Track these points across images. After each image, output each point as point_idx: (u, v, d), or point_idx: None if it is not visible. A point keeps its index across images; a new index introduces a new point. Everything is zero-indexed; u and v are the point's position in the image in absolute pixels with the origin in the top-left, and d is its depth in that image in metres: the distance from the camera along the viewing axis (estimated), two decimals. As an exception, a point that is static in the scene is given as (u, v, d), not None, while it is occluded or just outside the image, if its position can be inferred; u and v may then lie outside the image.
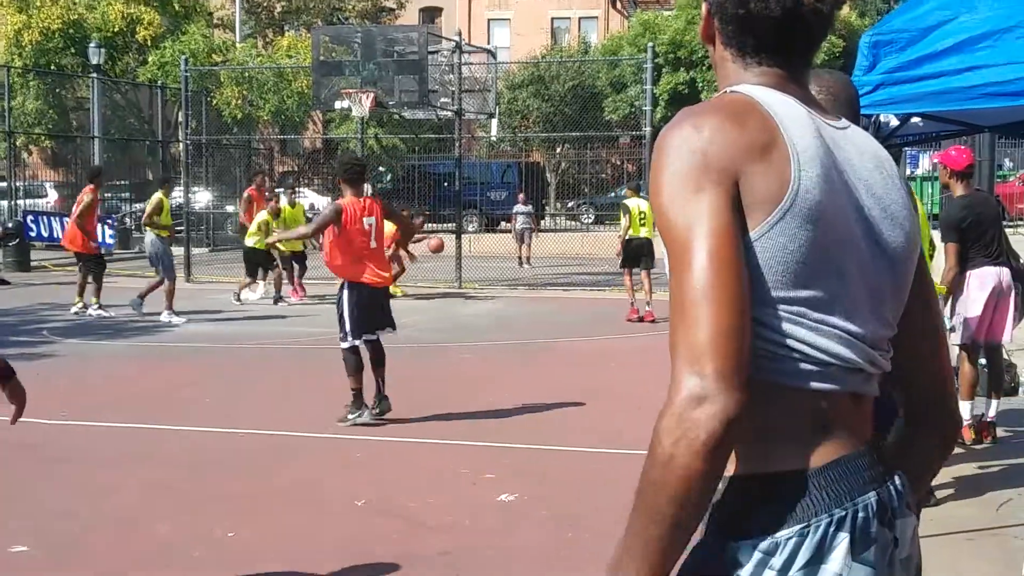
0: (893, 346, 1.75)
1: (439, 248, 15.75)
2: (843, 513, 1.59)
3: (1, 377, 3.79)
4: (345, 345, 8.12)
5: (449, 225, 19.41)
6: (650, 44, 22.18)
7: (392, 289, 16.86)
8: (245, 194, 17.72)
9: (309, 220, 17.39)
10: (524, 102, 36.91)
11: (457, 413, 8.51)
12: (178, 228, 17.99)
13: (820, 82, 3.01)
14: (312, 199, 31.24)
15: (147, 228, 14.55)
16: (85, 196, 14.56)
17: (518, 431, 7.90)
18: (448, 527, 5.83)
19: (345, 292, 8.16)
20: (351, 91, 18.81)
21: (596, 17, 46.48)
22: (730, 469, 1.66)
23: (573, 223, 31.94)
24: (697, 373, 1.45)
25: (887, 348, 1.73)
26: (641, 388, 9.71)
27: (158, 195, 14.58)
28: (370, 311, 8.16)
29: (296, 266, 16.69)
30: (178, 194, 21.10)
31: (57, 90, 32.50)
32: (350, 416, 8.05)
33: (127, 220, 27.34)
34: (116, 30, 30.95)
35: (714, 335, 1.46)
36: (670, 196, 1.56)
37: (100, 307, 14.45)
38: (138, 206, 28.87)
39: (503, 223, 28.52)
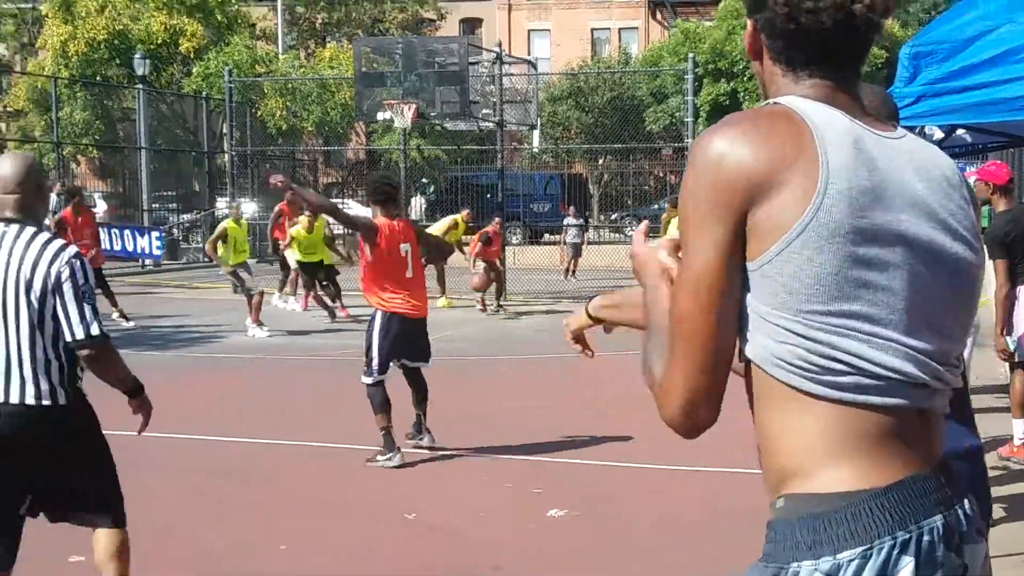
0: None
1: (483, 287, 15.70)
2: (907, 536, 1.56)
3: (131, 391, 4.14)
4: (368, 380, 7.35)
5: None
6: (691, 54, 22.14)
7: (443, 302, 17.03)
8: (276, 208, 17.73)
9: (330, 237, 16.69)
10: (564, 114, 36.93)
11: (503, 427, 8.52)
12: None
13: None
14: (356, 209, 31.40)
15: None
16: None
17: (564, 446, 7.90)
18: (497, 542, 5.85)
19: (377, 322, 7.41)
20: (393, 102, 18.91)
21: (636, 28, 46.43)
22: (789, 486, 1.65)
23: (617, 235, 31.87)
24: (667, 403, 1.70)
25: (955, 363, 1.70)
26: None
27: (224, 222, 14.41)
28: (402, 344, 7.45)
29: (317, 281, 15.79)
30: (222, 206, 21.29)
31: (104, 101, 32.92)
32: (380, 459, 7.30)
33: (174, 231, 27.62)
34: (160, 41, 31.33)
35: (685, 377, 1.66)
36: (684, 214, 1.65)
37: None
38: (185, 217, 29.20)
39: (546, 235, 28.53)
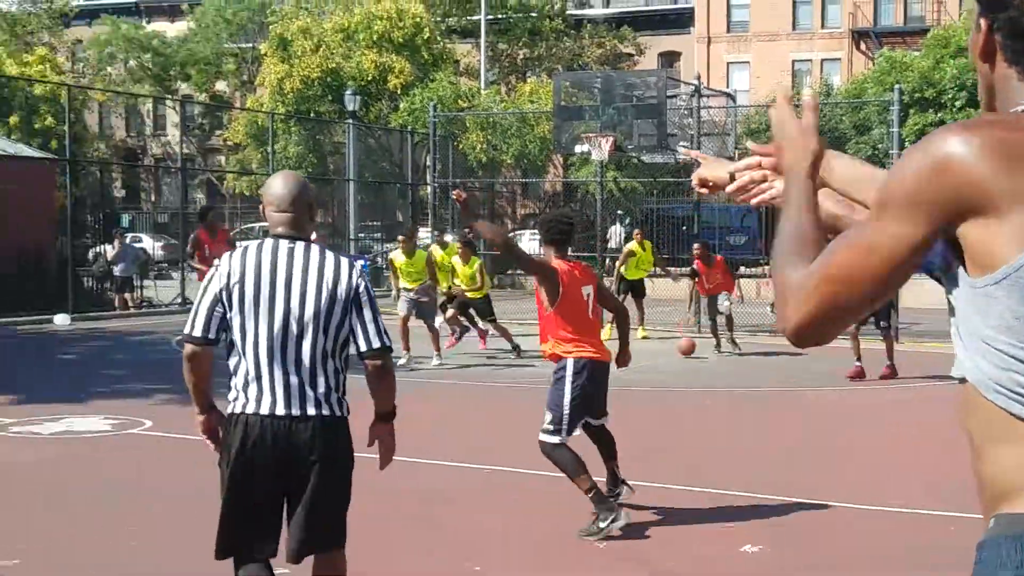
0: None
1: (690, 351, 15.08)
2: None
3: (391, 412, 4.12)
4: (553, 440, 6.46)
5: (686, 268, 19.38)
6: (897, 84, 21.54)
7: (639, 332, 17.03)
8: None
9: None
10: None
11: (696, 459, 8.51)
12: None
13: None
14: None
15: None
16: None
17: (759, 480, 7.82)
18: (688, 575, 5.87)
19: (569, 373, 6.50)
20: (591, 135, 19.17)
21: (839, 59, 45.45)
22: (1000, 507, 1.64)
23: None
24: (787, 315, 1.67)
25: None
26: (891, 444, 9.46)
27: (391, 253, 14.77)
28: (593, 395, 6.64)
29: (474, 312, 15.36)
30: (425, 235, 21.95)
31: (316, 135, 34.52)
32: (602, 525, 6.30)
33: (379, 260, 28.63)
34: (370, 78, 32.65)
35: (813, 309, 1.64)
36: (891, 188, 1.61)
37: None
38: (388, 246, 30.28)
39: (742, 268, 28.21)
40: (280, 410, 3.83)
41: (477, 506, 7.24)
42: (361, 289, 3.93)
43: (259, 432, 3.84)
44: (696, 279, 15.67)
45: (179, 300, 22.65)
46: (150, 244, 32.77)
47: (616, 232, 29.76)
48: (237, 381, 3.90)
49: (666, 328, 18.38)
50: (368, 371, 4.00)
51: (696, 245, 15.74)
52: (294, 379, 3.84)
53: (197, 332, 3.87)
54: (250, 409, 3.85)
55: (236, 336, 3.87)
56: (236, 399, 3.90)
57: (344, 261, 3.99)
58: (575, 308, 6.58)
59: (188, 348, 3.91)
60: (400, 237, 15.30)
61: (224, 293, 3.85)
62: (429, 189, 24.60)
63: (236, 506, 3.90)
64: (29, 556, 5.96)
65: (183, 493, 7.18)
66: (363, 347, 3.92)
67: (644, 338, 17.08)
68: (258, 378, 3.85)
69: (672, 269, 18.42)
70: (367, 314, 3.93)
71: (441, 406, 11.17)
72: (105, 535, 6.44)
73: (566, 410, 6.45)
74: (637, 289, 17.45)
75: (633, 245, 17.63)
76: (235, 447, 3.87)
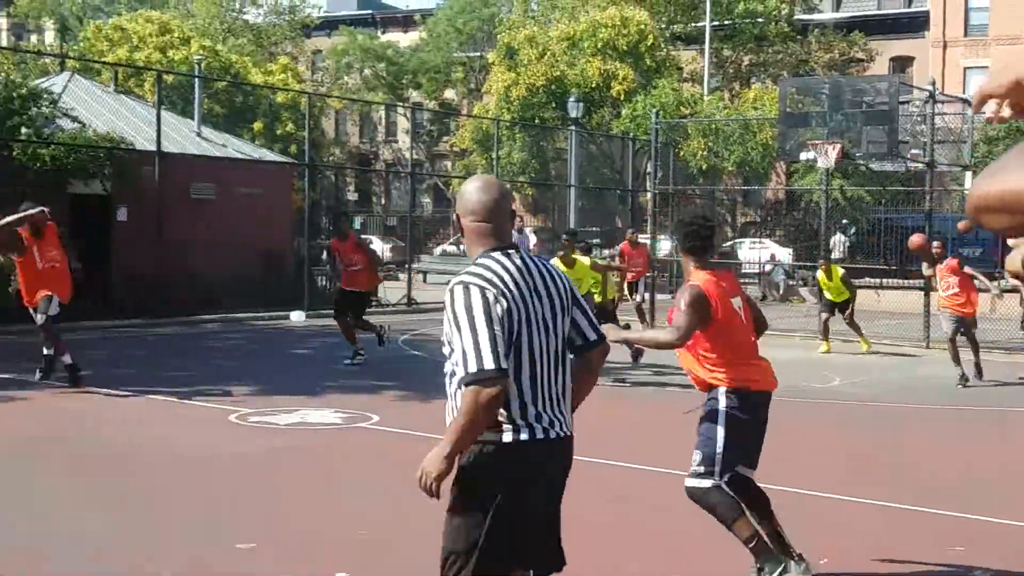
0: None
1: (921, 245, 14.03)
2: None
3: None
4: (704, 484, 5.53)
5: (917, 281, 18.72)
6: None
7: (862, 345, 16.60)
8: (618, 248, 17.86)
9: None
10: (1001, 154, 34.73)
11: (916, 477, 8.26)
12: (644, 275, 18.67)
13: None
14: (773, 249, 31.25)
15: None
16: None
17: (986, 502, 7.53)
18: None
19: (723, 405, 5.54)
20: (817, 142, 18.81)
21: (1091, 60, 42.71)
22: None
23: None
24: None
25: None
26: None
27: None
28: (754, 433, 5.66)
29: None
30: (643, 241, 22.03)
31: (539, 142, 35.12)
32: None
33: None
34: (593, 85, 32.96)
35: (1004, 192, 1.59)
36: None
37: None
38: (605, 252, 30.52)
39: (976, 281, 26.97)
40: (561, 430, 3.60)
41: (677, 512, 7.25)
42: (573, 286, 3.80)
43: (547, 458, 3.59)
44: (930, 275, 14.72)
45: (405, 300, 23.53)
46: (380, 246, 34.09)
47: (839, 242, 29.06)
48: (508, 410, 3.50)
49: (893, 342, 17.82)
50: (590, 363, 3.79)
51: (936, 244, 14.66)
52: (559, 395, 3.62)
53: (503, 363, 3.38)
54: (539, 435, 3.53)
55: (511, 361, 3.49)
56: (514, 428, 3.52)
57: (552, 265, 3.84)
58: (728, 324, 5.61)
59: (491, 389, 3.35)
60: (563, 245, 14.05)
61: (506, 318, 3.46)
62: (649, 195, 24.66)
63: (512, 542, 3.57)
64: (263, 541, 6.36)
65: (409, 487, 7.50)
66: (592, 337, 3.74)
67: (868, 352, 16.64)
68: (536, 402, 3.54)
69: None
70: (585, 307, 3.78)
71: (633, 410, 11.21)
72: (334, 524, 6.78)
73: (719, 449, 5.50)
74: (843, 308, 16.92)
75: (818, 274, 17.18)
76: (525, 478, 3.55)
